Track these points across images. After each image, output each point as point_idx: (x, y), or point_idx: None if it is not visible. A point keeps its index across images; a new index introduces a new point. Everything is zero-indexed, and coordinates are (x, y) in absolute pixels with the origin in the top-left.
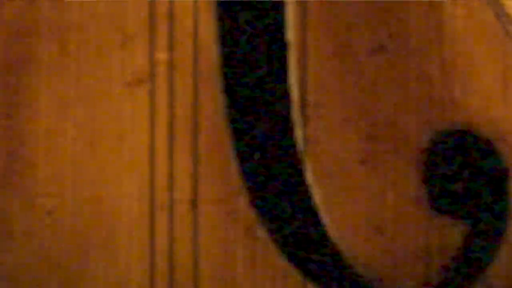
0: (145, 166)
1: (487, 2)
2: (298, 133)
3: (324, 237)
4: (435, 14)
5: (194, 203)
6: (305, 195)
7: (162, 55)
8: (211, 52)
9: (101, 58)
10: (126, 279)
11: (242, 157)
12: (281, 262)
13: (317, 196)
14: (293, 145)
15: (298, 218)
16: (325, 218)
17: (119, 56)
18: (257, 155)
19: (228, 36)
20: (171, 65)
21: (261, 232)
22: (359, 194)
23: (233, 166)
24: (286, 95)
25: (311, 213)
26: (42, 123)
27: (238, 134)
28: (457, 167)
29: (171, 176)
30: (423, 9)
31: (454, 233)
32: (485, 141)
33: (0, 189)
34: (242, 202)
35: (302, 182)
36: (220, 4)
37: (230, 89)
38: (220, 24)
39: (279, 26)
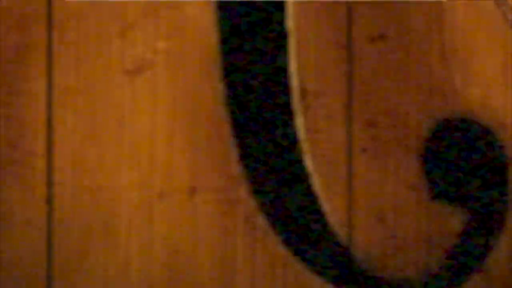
0: (144, 155)
1: None
2: (298, 121)
3: (324, 225)
4: (435, 3)
5: (193, 192)
6: (306, 184)
7: (162, 44)
8: (211, 40)
9: (100, 46)
10: (126, 268)
11: (242, 146)
12: (280, 251)
13: (317, 185)
14: (293, 134)
15: (298, 207)
16: (325, 206)
17: (119, 44)
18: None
19: (228, 24)
20: (171, 54)
21: (261, 221)
22: (359, 182)
23: (233, 155)
24: (286, 83)
25: (311, 202)
26: (42, 111)
27: (237, 122)
28: (457, 155)
29: (170, 165)
30: None
31: (454, 221)
32: (485, 129)
33: None
34: (242, 191)
35: (302, 171)
36: None
37: (230, 78)
38: (219, 12)
39: (279, 14)
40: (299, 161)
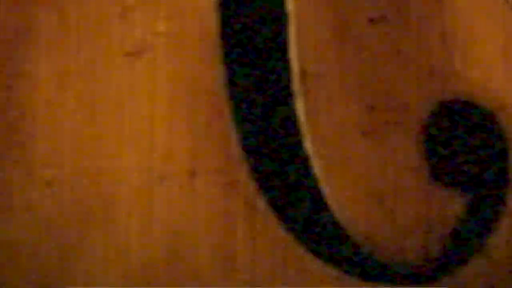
0: (144, 137)
1: None
2: (299, 104)
3: (324, 208)
4: None
5: (193, 174)
6: (306, 166)
7: (162, 26)
8: (211, 22)
9: (101, 29)
10: (125, 249)
11: (242, 128)
12: (281, 233)
13: (317, 167)
14: (294, 116)
15: (298, 189)
16: (325, 188)
17: (119, 27)
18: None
19: (228, 7)
20: (171, 36)
21: (261, 203)
22: (359, 165)
23: (233, 137)
24: (286, 66)
25: (311, 184)
26: (42, 94)
27: (237, 105)
28: (457, 138)
29: (170, 147)
30: None
31: (454, 204)
32: (485, 112)
33: None
34: (242, 173)
35: (302, 153)
36: None
37: (230, 60)
38: None
39: None
40: (299, 143)
